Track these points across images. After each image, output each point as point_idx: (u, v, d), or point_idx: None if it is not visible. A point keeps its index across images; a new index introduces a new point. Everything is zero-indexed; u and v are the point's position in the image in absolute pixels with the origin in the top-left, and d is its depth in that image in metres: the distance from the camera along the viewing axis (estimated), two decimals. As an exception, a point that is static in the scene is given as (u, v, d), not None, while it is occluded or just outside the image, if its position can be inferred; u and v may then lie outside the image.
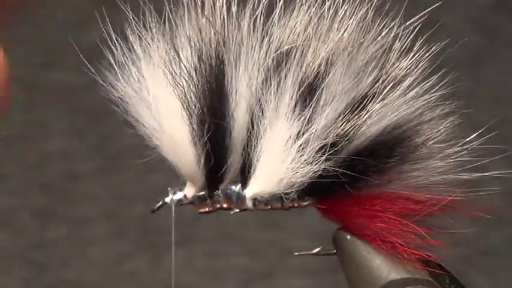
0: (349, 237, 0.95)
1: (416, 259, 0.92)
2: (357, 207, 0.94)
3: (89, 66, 0.94)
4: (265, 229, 2.02)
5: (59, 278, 1.99)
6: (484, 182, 0.93)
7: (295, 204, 0.96)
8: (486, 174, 0.93)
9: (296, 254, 1.01)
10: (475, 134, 0.93)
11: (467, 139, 0.93)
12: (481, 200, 0.93)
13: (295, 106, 0.91)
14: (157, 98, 0.93)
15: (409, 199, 0.93)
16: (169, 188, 0.99)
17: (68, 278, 2.00)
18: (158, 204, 0.99)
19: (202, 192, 0.97)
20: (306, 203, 0.96)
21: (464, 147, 0.93)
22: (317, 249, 0.99)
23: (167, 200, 0.98)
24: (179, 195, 0.98)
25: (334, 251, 0.97)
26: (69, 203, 2.04)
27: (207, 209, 0.98)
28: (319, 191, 0.94)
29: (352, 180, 0.92)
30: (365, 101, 0.91)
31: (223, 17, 0.93)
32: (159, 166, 0.95)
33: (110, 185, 2.10)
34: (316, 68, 0.91)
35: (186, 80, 0.92)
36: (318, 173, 0.91)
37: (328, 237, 0.97)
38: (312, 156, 0.91)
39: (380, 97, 0.91)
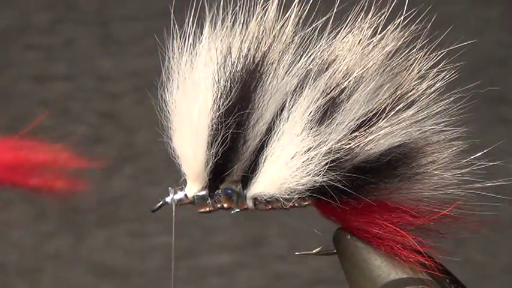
0: (349, 237, 0.97)
1: (416, 260, 0.95)
2: (354, 211, 0.95)
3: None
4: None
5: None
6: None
7: (296, 204, 0.97)
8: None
9: (297, 253, 1.02)
10: (478, 154, 0.96)
11: (469, 158, 0.95)
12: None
13: (312, 122, 0.92)
14: (196, 86, 0.92)
15: (407, 212, 0.95)
16: (169, 188, 0.98)
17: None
18: (158, 204, 0.98)
19: (203, 192, 0.97)
20: (306, 203, 0.98)
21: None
22: (317, 249, 1.00)
23: (168, 199, 0.98)
24: (180, 194, 0.97)
25: (335, 250, 0.98)
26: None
27: (207, 209, 0.98)
28: (319, 194, 0.95)
29: (351, 191, 0.93)
30: (374, 119, 0.93)
31: (273, 27, 0.93)
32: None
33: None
34: (343, 84, 0.92)
35: (225, 78, 0.91)
36: (319, 183, 0.93)
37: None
38: (315, 168, 0.92)
39: (389, 116, 0.93)
